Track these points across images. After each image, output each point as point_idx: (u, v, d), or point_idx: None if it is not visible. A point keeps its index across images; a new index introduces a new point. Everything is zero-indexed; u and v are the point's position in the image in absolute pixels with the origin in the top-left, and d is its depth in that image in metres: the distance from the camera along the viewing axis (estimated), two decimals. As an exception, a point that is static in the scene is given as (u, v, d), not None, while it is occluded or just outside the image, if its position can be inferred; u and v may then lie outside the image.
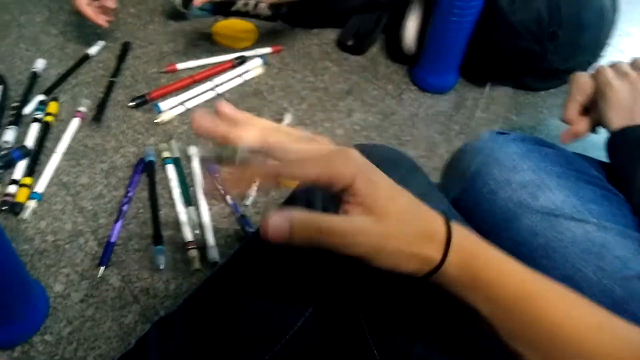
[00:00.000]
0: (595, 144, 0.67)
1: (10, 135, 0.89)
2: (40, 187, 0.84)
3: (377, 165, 0.52)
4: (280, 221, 0.35)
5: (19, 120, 0.93)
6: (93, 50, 1.10)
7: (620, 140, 0.62)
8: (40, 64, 1.05)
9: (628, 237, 0.52)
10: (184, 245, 0.79)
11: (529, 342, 0.35)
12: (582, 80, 0.69)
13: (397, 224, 0.35)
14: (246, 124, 0.42)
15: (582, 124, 0.70)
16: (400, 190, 0.37)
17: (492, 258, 0.36)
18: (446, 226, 0.36)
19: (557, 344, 0.34)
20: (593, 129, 0.70)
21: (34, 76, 1.02)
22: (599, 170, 0.62)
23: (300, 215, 0.35)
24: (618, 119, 0.64)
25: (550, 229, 0.53)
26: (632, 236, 0.52)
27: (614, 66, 0.68)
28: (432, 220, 0.36)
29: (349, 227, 0.35)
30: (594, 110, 0.69)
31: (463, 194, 0.61)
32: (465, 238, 0.36)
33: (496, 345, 0.36)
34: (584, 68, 1.10)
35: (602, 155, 0.64)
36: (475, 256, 0.36)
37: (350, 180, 0.35)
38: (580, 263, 0.51)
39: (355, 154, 0.37)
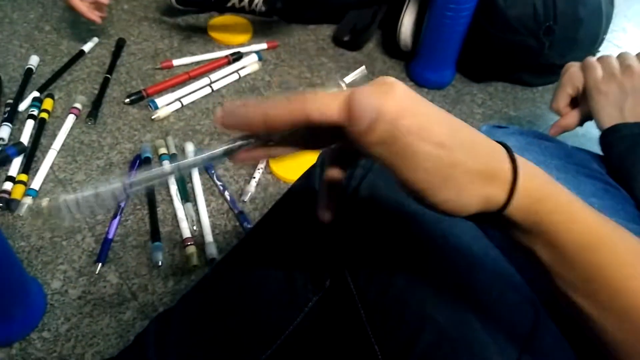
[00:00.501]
0: (594, 139, 0.67)
1: (4, 132, 0.89)
2: (36, 183, 0.83)
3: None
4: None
5: (13, 117, 0.92)
6: (87, 47, 1.09)
7: (614, 136, 0.62)
8: (34, 61, 1.04)
9: (630, 231, 0.52)
10: (182, 242, 0.79)
11: (590, 294, 0.32)
12: (572, 71, 0.70)
13: (461, 154, 0.31)
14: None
15: (571, 117, 0.71)
16: (458, 121, 0.33)
17: (561, 201, 0.33)
18: (512, 164, 0.32)
19: (620, 297, 0.32)
20: (581, 123, 0.71)
21: (29, 73, 1.01)
22: (598, 164, 0.62)
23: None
24: (608, 118, 0.64)
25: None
26: (633, 230, 0.52)
27: (602, 62, 0.68)
28: (496, 156, 0.32)
29: (420, 150, 0.31)
30: (583, 104, 0.70)
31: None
32: (533, 177, 0.33)
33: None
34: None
35: (600, 150, 0.64)
36: (543, 199, 0.32)
37: (396, 116, 0.30)
38: (583, 257, 0.51)
39: (399, 88, 0.32)
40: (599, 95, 0.66)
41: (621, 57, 0.68)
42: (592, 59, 0.69)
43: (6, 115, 0.91)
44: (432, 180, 0.31)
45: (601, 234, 0.33)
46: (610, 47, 1.26)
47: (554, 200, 0.33)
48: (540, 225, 0.32)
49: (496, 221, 0.33)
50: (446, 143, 0.31)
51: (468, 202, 0.32)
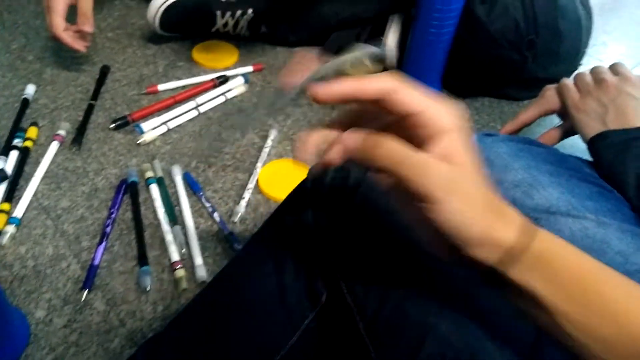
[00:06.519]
0: (582, 149, 0.67)
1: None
2: (19, 211, 0.81)
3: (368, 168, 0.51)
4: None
5: (8, 150, 0.90)
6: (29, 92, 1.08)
7: (601, 144, 0.63)
8: (30, 90, 1.03)
9: (627, 232, 0.51)
10: (170, 265, 0.77)
11: (592, 328, 0.33)
12: (548, 94, 0.76)
13: (472, 178, 0.34)
14: None
15: (552, 133, 0.76)
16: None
17: (549, 234, 0.35)
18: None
19: (621, 326, 0.32)
20: (560, 140, 0.76)
21: (25, 103, 1.00)
22: (591, 169, 0.61)
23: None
24: (593, 131, 0.66)
25: (548, 227, 0.51)
26: (630, 231, 0.51)
27: (577, 80, 0.72)
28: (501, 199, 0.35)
29: (424, 160, 0.33)
30: (565, 122, 0.74)
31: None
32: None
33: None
34: (564, 76, 1.11)
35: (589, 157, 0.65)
36: (539, 234, 0.35)
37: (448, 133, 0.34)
38: (581, 262, 0.50)
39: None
40: (579, 113, 0.69)
41: (594, 71, 0.71)
42: (567, 80, 0.74)
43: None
44: (438, 191, 0.33)
45: (590, 263, 0.34)
46: (592, 60, 1.27)
47: (546, 234, 0.35)
48: (539, 259, 0.33)
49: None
50: (461, 162, 0.34)
51: (470, 228, 0.33)
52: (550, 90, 0.76)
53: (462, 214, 0.33)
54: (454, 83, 1.15)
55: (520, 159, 0.58)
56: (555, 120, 0.79)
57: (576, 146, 0.74)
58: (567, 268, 0.34)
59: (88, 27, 1.00)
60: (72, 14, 1.00)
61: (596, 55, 1.31)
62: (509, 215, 0.35)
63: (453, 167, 0.33)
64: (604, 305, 0.33)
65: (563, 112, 0.75)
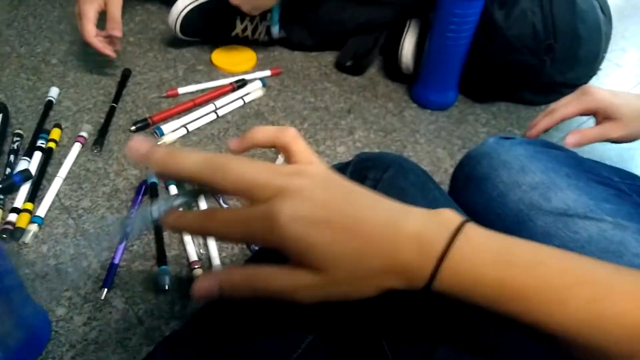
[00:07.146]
0: (597, 156, 0.66)
1: (23, 165, 0.89)
2: (42, 211, 0.83)
3: (385, 169, 0.51)
4: (207, 285, 0.35)
5: (31, 151, 0.92)
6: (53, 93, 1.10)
7: None
8: (54, 92, 1.05)
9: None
10: (188, 265, 0.78)
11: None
12: (592, 91, 0.70)
13: (346, 272, 0.32)
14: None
15: (586, 135, 0.71)
16: (352, 226, 0.32)
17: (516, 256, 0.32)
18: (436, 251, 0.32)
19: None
20: (595, 141, 0.72)
21: (49, 105, 1.03)
22: (608, 172, 0.61)
23: (229, 276, 0.35)
24: None
25: (565, 229, 0.52)
26: (649, 233, 0.51)
27: None
28: (403, 249, 0.32)
29: (288, 285, 0.33)
30: (601, 123, 0.70)
31: (472, 199, 0.60)
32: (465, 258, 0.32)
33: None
34: (582, 81, 1.11)
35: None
36: (486, 264, 0.32)
37: (279, 247, 0.33)
38: (598, 263, 0.50)
39: (284, 214, 0.32)
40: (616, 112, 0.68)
41: None
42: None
43: (15, 147, 0.92)
44: (314, 301, 0.34)
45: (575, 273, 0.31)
46: (610, 66, 1.27)
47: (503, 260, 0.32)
48: (501, 288, 0.31)
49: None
50: (327, 266, 0.32)
51: (365, 294, 0.33)
52: (592, 88, 0.71)
53: (348, 297, 0.33)
54: (471, 87, 1.15)
55: (538, 161, 0.58)
56: (574, 124, 0.78)
57: (593, 152, 0.74)
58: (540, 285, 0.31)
59: (117, 32, 1.02)
60: (101, 20, 1.02)
61: (615, 61, 1.30)
62: (408, 270, 0.32)
63: (320, 276, 0.32)
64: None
65: (603, 112, 0.70)
